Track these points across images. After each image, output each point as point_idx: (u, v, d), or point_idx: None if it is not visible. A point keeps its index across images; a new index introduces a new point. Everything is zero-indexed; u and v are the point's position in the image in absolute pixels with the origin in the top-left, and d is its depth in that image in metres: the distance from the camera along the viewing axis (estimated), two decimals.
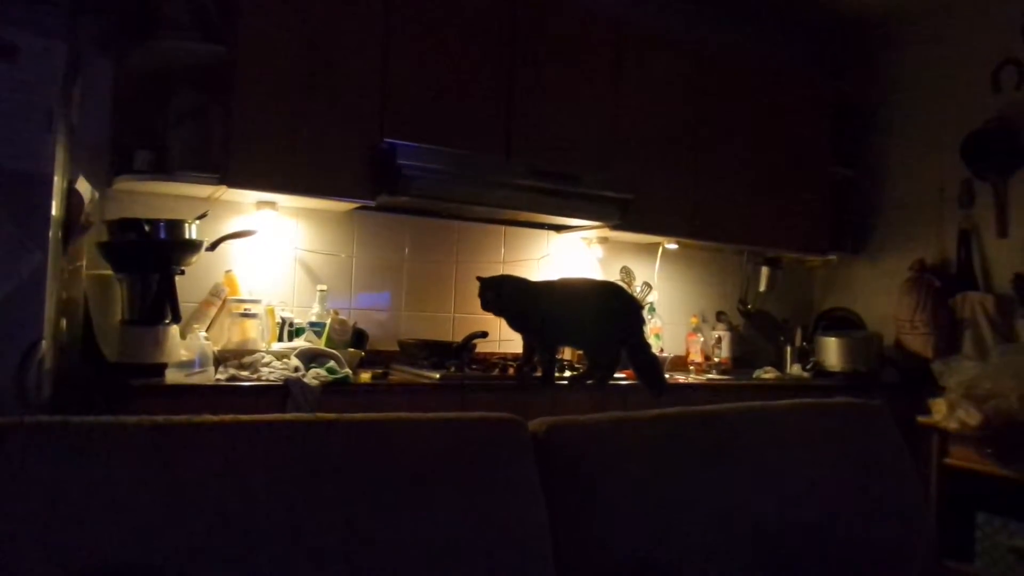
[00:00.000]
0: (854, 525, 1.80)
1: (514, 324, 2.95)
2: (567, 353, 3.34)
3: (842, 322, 4.06)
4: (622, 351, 2.96)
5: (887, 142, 4.14)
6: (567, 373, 3.09)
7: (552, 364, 2.92)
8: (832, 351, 3.73)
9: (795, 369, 3.79)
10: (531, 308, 2.88)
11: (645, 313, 3.64)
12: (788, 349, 3.90)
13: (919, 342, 3.63)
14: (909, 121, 4.03)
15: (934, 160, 3.84)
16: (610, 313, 2.96)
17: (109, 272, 2.58)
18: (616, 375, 3.02)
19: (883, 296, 3.91)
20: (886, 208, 4.11)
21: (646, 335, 3.19)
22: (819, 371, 3.73)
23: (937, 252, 3.79)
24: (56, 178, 2.04)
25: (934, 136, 3.86)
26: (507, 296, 2.86)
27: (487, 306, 2.87)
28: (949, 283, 3.67)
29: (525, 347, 2.99)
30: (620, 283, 3.52)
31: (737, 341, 3.91)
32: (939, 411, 2.99)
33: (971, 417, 2.83)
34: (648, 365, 2.96)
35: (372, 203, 2.89)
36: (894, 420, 2.03)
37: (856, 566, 1.77)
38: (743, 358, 3.90)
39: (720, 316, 3.96)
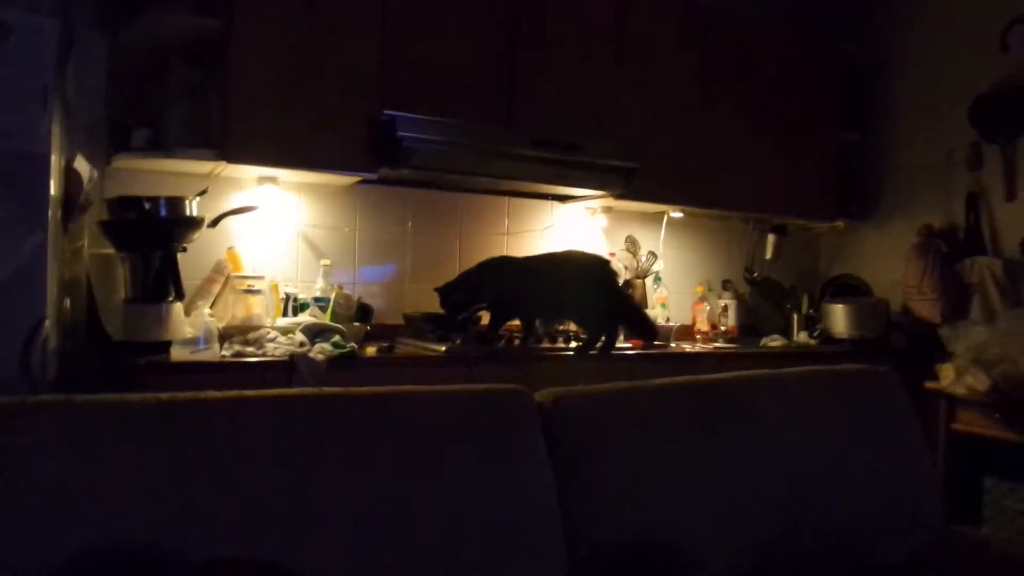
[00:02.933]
0: (862, 491, 1.80)
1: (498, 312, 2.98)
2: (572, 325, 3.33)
3: (849, 288, 4.03)
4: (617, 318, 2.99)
5: (894, 106, 4.07)
6: (572, 344, 3.08)
7: (497, 336, 2.97)
8: (839, 318, 3.71)
9: (802, 336, 3.78)
10: (502, 294, 2.90)
11: (650, 282, 3.63)
12: (795, 316, 3.89)
13: (927, 308, 3.61)
14: (916, 84, 3.97)
15: (942, 123, 3.79)
16: (581, 278, 2.95)
17: (111, 251, 2.58)
18: (620, 344, 3.01)
19: (890, 262, 3.88)
20: (893, 173, 4.06)
21: (620, 286, 3.29)
22: (826, 338, 3.71)
23: (945, 217, 3.75)
24: (54, 157, 2.02)
25: (942, 99, 3.80)
26: (479, 292, 2.89)
27: (454, 310, 2.89)
28: (957, 248, 3.64)
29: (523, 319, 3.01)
30: (605, 255, 3.50)
31: (744, 309, 3.89)
32: (947, 376, 2.98)
33: (979, 382, 2.82)
34: (631, 313, 3.06)
35: (374, 176, 2.86)
36: (902, 386, 2.02)
37: (865, 533, 1.77)
38: (750, 326, 3.88)
39: (726, 284, 3.94)
